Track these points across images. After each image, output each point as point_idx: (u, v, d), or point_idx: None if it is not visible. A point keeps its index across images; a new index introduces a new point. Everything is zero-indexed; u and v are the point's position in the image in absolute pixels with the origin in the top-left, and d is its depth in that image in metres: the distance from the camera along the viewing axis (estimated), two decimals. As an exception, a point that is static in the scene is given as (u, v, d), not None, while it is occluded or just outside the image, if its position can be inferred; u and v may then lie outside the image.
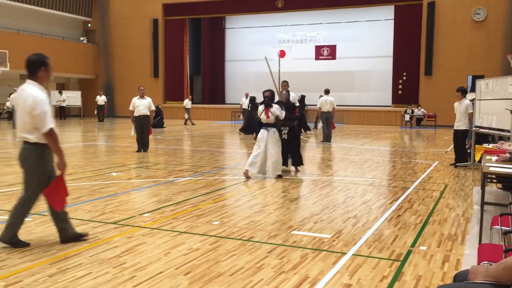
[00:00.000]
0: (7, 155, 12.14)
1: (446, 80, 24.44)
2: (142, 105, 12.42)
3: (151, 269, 4.08)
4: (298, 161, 9.60)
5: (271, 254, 4.50)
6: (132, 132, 12.77)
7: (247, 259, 4.36)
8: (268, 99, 8.77)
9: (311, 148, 14.52)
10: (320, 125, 16.19)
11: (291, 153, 9.56)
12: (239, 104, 24.69)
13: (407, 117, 25.17)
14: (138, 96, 12.57)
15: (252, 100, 20.30)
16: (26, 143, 4.55)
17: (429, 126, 24.67)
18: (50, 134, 4.46)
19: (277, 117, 8.74)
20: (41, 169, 4.59)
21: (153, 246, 4.70)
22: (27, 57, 4.56)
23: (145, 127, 12.52)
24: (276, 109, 8.70)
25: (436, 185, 8.31)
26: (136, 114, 12.44)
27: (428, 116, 24.81)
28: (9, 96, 22.79)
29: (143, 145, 12.62)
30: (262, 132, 8.83)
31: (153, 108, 12.80)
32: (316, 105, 17.42)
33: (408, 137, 19.28)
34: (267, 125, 8.83)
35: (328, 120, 16.01)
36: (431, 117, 24.68)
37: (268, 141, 8.76)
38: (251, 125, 19.21)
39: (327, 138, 16.04)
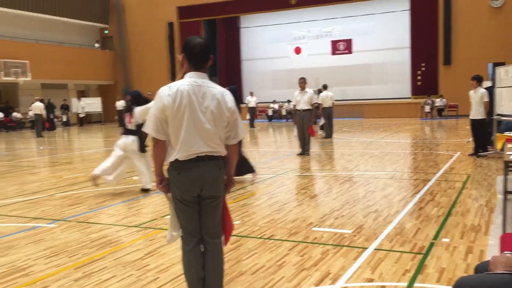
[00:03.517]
0: (31, 163, 12.39)
1: (466, 69, 24.05)
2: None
3: (174, 270, 4.12)
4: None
5: (292, 252, 4.51)
6: None
7: (268, 257, 4.37)
8: (131, 102, 7.64)
9: (326, 145, 14.45)
10: (322, 121, 16.18)
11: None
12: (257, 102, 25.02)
13: (427, 108, 24.86)
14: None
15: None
16: (214, 159, 3.21)
17: (451, 116, 24.33)
18: (237, 144, 3.43)
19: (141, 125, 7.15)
20: None
21: (175, 247, 4.73)
22: (192, 41, 3.20)
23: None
24: (138, 113, 7.45)
25: (458, 176, 8.20)
26: None
27: (449, 106, 24.48)
28: (31, 105, 23.16)
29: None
30: (123, 139, 7.63)
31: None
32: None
33: (429, 129, 19.05)
34: (128, 132, 7.64)
35: (330, 116, 15.96)
36: (452, 107, 24.35)
37: (129, 152, 7.61)
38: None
39: (330, 134, 15.95)
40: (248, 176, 8.25)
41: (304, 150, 11.50)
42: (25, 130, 27.30)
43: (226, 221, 3.41)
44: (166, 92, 3.12)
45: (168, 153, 3.20)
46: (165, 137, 3.17)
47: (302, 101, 11.36)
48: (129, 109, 7.64)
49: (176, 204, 3.26)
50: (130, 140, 7.56)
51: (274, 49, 31.60)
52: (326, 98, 16.11)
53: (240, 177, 8.11)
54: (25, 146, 17.82)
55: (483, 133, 10.43)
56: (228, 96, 3.23)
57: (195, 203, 3.24)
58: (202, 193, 3.20)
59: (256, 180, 8.17)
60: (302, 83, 11.47)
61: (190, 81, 3.17)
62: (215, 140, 3.17)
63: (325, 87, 16.71)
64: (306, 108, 11.33)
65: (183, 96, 3.10)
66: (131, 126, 7.60)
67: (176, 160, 3.15)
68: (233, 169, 3.41)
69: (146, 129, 3.21)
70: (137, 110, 7.47)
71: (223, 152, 3.26)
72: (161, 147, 3.20)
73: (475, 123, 10.35)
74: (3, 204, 7.13)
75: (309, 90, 11.52)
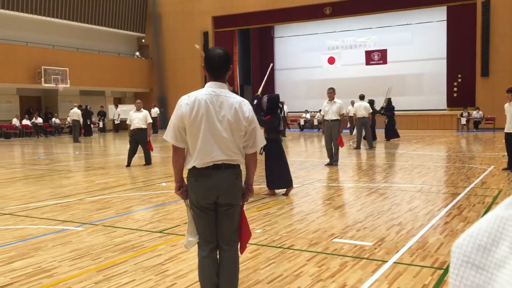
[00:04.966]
0: (67, 167, 12.77)
1: (504, 81, 23.42)
2: (137, 118, 12.20)
3: (192, 277, 4.19)
4: (271, 183, 7.91)
5: (310, 262, 4.51)
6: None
7: (285, 267, 4.39)
8: None
9: (354, 155, 14.32)
10: (354, 131, 16.14)
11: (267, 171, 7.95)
12: (289, 112, 25.06)
13: (463, 121, 24.32)
14: (135, 110, 12.46)
15: None
16: (231, 167, 3.27)
17: (488, 129, 23.71)
18: (255, 154, 3.47)
19: None
20: None
21: (195, 254, 4.75)
22: (212, 52, 3.29)
23: (140, 140, 12.23)
24: None
25: (489, 191, 8.00)
26: (132, 127, 12.24)
27: (486, 118, 23.88)
28: (70, 111, 23.88)
29: (145, 158, 12.49)
30: None
31: (150, 121, 12.29)
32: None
33: (464, 141, 18.63)
34: None
35: (365, 125, 15.81)
36: (489, 120, 23.73)
37: None
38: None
39: (368, 144, 15.75)
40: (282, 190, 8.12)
41: (332, 160, 11.45)
42: (63, 135, 28.14)
43: (243, 230, 3.43)
44: (185, 101, 3.21)
45: (187, 160, 3.29)
46: (184, 145, 3.26)
47: (330, 111, 11.33)
48: None
49: (193, 210, 3.34)
50: None
51: (308, 59, 31.62)
52: (359, 108, 15.98)
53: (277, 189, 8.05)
54: (62, 151, 18.38)
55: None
56: (246, 106, 3.27)
57: (211, 210, 3.30)
58: (218, 200, 3.26)
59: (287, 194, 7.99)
60: (331, 93, 11.44)
61: (208, 90, 3.24)
62: (232, 148, 3.22)
63: (361, 97, 16.52)
64: (335, 118, 11.29)
65: (201, 105, 3.17)
66: None
67: (194, 167, 3.24)
68: (251, 178, 3.45)
69: (166, 137, 3.29)
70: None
71: (240, 161, 3.31)
72: (180, 154, 3.29)
73: (509, 137, 10.07)
74: (37, 207, 7.38)
75: (338, 101, 11.47)
